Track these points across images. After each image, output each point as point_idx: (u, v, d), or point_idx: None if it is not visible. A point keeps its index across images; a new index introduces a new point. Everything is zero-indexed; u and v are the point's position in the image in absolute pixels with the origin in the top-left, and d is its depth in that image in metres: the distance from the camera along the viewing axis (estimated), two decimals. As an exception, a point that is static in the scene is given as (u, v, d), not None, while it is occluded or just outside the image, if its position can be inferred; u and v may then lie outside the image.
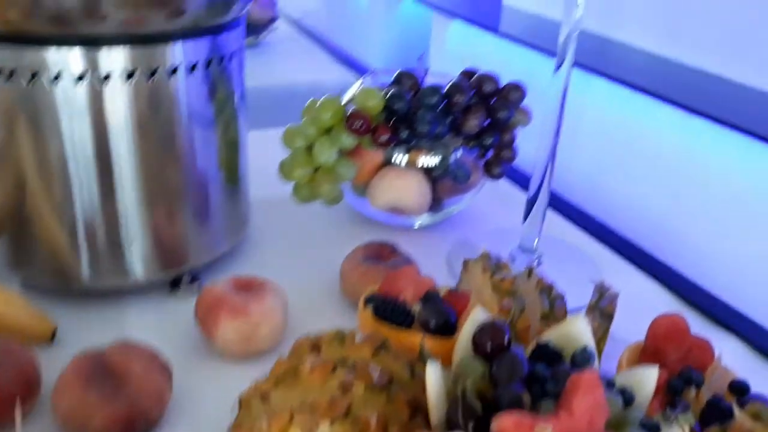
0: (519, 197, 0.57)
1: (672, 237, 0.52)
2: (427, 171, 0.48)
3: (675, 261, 0.49)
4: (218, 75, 0.40)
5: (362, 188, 0.49)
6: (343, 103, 0.45)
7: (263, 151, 0.52)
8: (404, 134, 0.45)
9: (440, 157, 0.48)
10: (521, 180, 0.60)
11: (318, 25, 1.06)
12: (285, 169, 0.45)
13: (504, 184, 0.59)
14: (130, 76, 0.36)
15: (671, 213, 0.52)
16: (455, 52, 0.70)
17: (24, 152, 0.37)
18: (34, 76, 0.35)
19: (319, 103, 0.45)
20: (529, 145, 0.48)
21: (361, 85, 0.50)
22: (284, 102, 0.82)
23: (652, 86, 0.48)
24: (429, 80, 0.50)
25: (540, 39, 0.59)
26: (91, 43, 0.35)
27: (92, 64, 0.35)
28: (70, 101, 0.36)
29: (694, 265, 0.49)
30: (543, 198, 0.43)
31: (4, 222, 0.39)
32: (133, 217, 0.39)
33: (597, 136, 0.58)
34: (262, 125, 0.72)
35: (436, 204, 0.50)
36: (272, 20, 0.97)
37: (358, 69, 0.89)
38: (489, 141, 0.47)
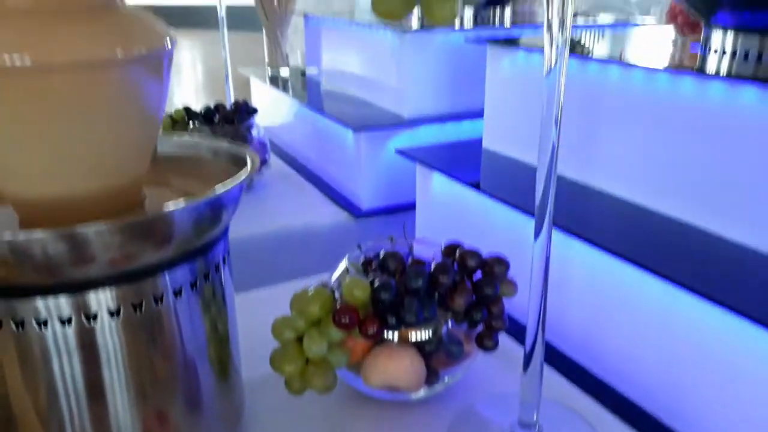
0: (516, 350, 0.57)
1: (669, 396, 0.51)
2: (420, 346, 0.49)
3: (674, 421, 0.49)
4: (206, 287, 0.41)
5: (356, 367, 0.49)
6: (330, 289, 0.46)
7: (256, 313, 0.53)
8: (392, 321, 0.45)
9: (431, 331, 0.48)
10: (517, 331, 0.60)
11: (308, 163, 1.09)
12: (276, 363, 0.45)
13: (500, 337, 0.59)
14: (117, 312, 0.37)
15: (667, 372, 0.51)
16: (441, 200, 0.72)
17: (14, 387, 0.37)
18: (21, 323, 0.36)
19: (309, 293, 0.45)
20: (522, 291, 0.48)
21: (347, 260, 0.51)
22: (279, 248, 0.83)
23: (631, 251, 0.49)
24: (416, 248, 0.51)
25: (520, 193, 0.61)
26: (78, 288, 0.36)
27: (79, 308, 0.36)
28: (58, 341, 0.36)
29: (694, 425, 0.48)
30: (536, 367, 0.43)
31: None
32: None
33: (586, 290, 0.58)
34: (259, 277, 0.73)
35: (432, 376, 0.50)
36: (263, 162, 1.00)
37: (351, 207, 0.91)
38: (478, 316, 0.47)
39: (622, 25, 1.10)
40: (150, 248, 0.37)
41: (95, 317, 0.36)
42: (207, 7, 2.91)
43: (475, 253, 0.48)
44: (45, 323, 0.36)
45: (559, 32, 0.38)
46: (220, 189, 0.39)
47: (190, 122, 0.98)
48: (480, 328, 0.49)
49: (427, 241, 0.52)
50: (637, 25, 1.11)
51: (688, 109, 0.53)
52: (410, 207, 0.91)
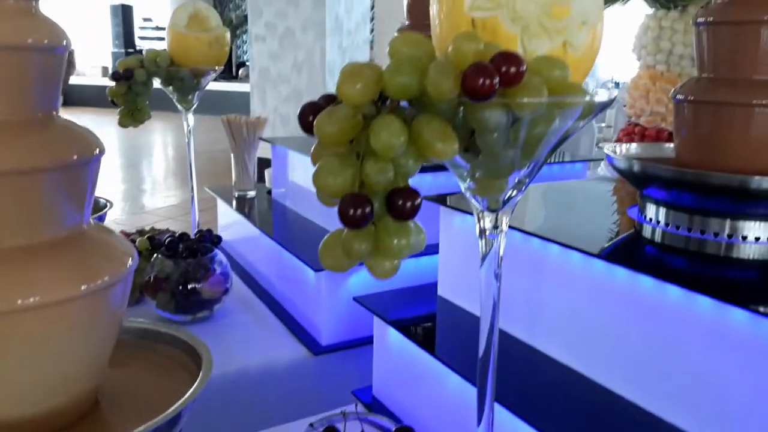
0: None
1: None
2: None
3: None
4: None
5: None
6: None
7: None
8: None
9: None
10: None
11: (270, 288, 1.11)
12: None
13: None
14: None
15: None
16: (396, 351, 0.74)
17: None
18: None
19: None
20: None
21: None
22: (236, 391, 0.83)
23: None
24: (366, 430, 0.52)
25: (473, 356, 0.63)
26: None
27: None
28: None
29: None
30: None
31: None
32: None
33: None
34: (214, 427, 0.72)
35: None
36: (225, 292, 1.02)
37: (311, 343, 0.92)
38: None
39: (569, 164, 1.17)
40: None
41: None
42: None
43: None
44: None
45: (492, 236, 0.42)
46: (176, 408, 0.40)
47: (154, 254, 0.99)
48: None
49: (379, 421, 0.53)
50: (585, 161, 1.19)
51: (622, 293, 0.56)
52: (365, 341, 0.92)
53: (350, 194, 0.31)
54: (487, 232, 0.43)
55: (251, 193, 1.33)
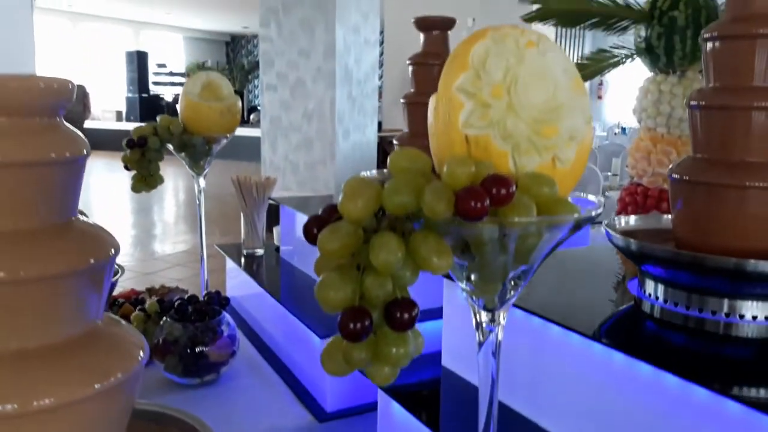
0: None
1: None
2: None
3: None
4: None
5: None
6: None
7: None
8: None
9: None
10: None
11: (277, 348, 1.12)
12: None
13: None
14: None
15: None
16: (401, 427, 0.74)
17: None
18: None
19: None
20: None
21: None
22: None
23: None
24: None
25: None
26: None
27: None
28: None
29: None
30: None
31: None
32: None
33: None
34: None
35: None
36: (232, 354, 1.03)
37: (316, 409, 0.93)
38: None
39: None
40: None
41: None
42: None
43: None
44: None
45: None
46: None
47: (163, 317, 1.01)
48: None
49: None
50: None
51: (620, 376, 0.57)
52: (367, 408, 0.93)
53: (350, 309, 0.33)
54: (485, 325, 0.44)
55: (259, 251, 1.35)
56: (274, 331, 1.14)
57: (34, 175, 0.37)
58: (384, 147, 5.28)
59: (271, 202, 1.32)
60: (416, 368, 0.80)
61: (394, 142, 1.19)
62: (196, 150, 1.06)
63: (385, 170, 0.41)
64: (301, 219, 1.23)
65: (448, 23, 1.15)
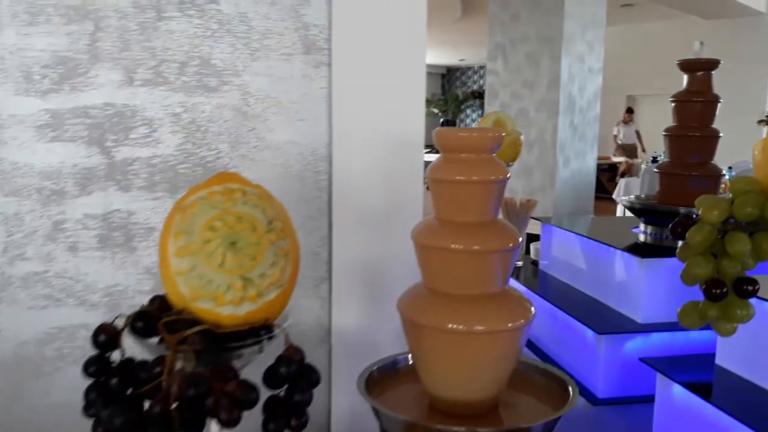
0: None
1: None
2: None
3: None
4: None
5: None
6: None
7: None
8: None
9: None
10: None
11: (541, 344, 1.30)
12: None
13: None
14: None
15: None
16: (678, 406, 0.88)
17: None
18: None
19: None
20: None
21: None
22: None
23: None
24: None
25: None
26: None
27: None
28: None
29: None
30: None
31: None
32: None
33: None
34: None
35: None
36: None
37: (587, 394, 1.09)
38: None
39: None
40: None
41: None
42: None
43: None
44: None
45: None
46: (549, 417, 0.61)
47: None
48: None
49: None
50: None
51: None
52: (642, 399, 1.06)
53: (713, 279, 0.51)
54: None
55: (519, 263, 1.55)
56: (538, 330, 1.33)
57: (491, 189, 0.61)
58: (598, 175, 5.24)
59: (534, 220, 1.52)
60: (691, 366, 0.93)
61: (654, 170, 1.32)
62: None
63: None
64: (561, 235, 1.41)
65: (712, 64, 1.26)
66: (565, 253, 1.39)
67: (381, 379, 0.70)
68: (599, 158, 6.54)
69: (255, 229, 0.47)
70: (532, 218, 1.52)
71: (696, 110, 1.27)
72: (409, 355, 0.73)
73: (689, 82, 1.28)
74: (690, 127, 1.26)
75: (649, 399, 0.98)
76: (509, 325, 0.61)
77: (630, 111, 8.06)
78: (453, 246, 0.61)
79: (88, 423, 0.88)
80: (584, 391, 1.11)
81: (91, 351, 0.86)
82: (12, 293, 0.83)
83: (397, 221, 0.89)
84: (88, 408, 0.43)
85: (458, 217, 0.62)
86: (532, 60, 4.02)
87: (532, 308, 0.64)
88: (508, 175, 0.63)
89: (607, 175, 7.63)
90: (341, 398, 0.90)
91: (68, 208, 0.83)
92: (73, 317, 0.85)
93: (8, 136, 0.81)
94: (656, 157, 5.26)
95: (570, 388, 0.66)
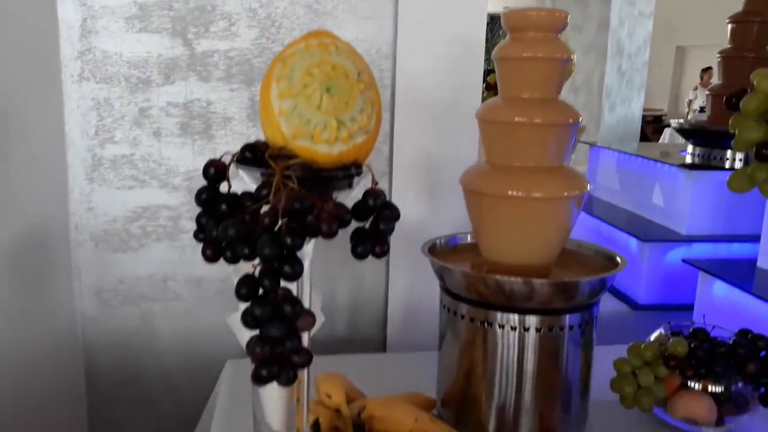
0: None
1: None
2: (715, 395, 0.70)
3: None
4: (586, 329, 0.68)
5: (663, 402, 0.73)
6: (653, 342, 0.71)
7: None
8: (702, 372, 0.68)
9: (724, 387, 0.70)
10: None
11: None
12: (615, 387, 0.71)
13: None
14: (538, 330, 0.66)
15: None
16: (717, 303, 0.93)
17: (476, 362, 0.68)
18: (489, 324, 0.66)
19: (641, 346, 0.71)
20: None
21: (661, 332, 0.76)
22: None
23: None
24: (715, 332, 0.74)
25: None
26: (522, 311, 0.65)
27: (521, 323, 0.65)
28: (506, 339, 0.66)
29: None
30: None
31: (454, 400, 0.70)
32: (527, 407, 0.66)
33: None
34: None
35: (720, 421, 0.71)
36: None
37: (629, 301, 1.14)
38: (764, 381, 0.68)
39: None
40: (561, 299, 0.65)
41: (527, 329, 0.65)
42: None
43: (763, 337, 0.69)
44: (502, 327, 0.65)
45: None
46: (604, 274, 0.67)
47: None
48: (762, 390, 0.69)
49: (723, 329, 0.74)
50: None
51: None
52: (678, 307, 1.11)
53: (764, 142, 0.54)
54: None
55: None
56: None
57: (556, 67, 0.65)
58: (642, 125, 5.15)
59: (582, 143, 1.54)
60: (731, 269, 0.97)
61: (706, 92, 1.33)
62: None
63: None
64: (609, 156, 1.43)
65: (774, -17, 1.25)
66: (612, 174, 1.42)
67: (442, 251, 0.76)
68: (645, 109, 6.39)
69: (347, 77, 0.51)
70: (580, 142, 1.55)
71: (753, 32, 1.27)
72: (468, 235, 0.78)
73: (747, 2, 1.27)
74: (745, 48, 1.27)
75: (689, 307, 1.03)
76: (565, 193, 0.66)
77: (707, 69, 6.78)
78: (516, 119, 0.65)
79: (167, 294, 0.98)
80: (626, 298, 1.16)
81: (173, 230, 0.95)
82: (102, 173, 0.91)
83: (457, 120, 0.93)
84: (199, 233, 0.47)
85: (523, 94, 0.67)
86: (581, 1, 3.93)
87: (588, 183, 0.69)
88: (573, 56, 0.67)
89: (651, 127, 7.47)
90: (398, 278, 0.97)
91: (153, 96, 0.90)
92: (156, 198, 0.93)
93: (100, 25, 0.87)
94: (703, 107, 5.13)
95: (618, 259, 0.71)
